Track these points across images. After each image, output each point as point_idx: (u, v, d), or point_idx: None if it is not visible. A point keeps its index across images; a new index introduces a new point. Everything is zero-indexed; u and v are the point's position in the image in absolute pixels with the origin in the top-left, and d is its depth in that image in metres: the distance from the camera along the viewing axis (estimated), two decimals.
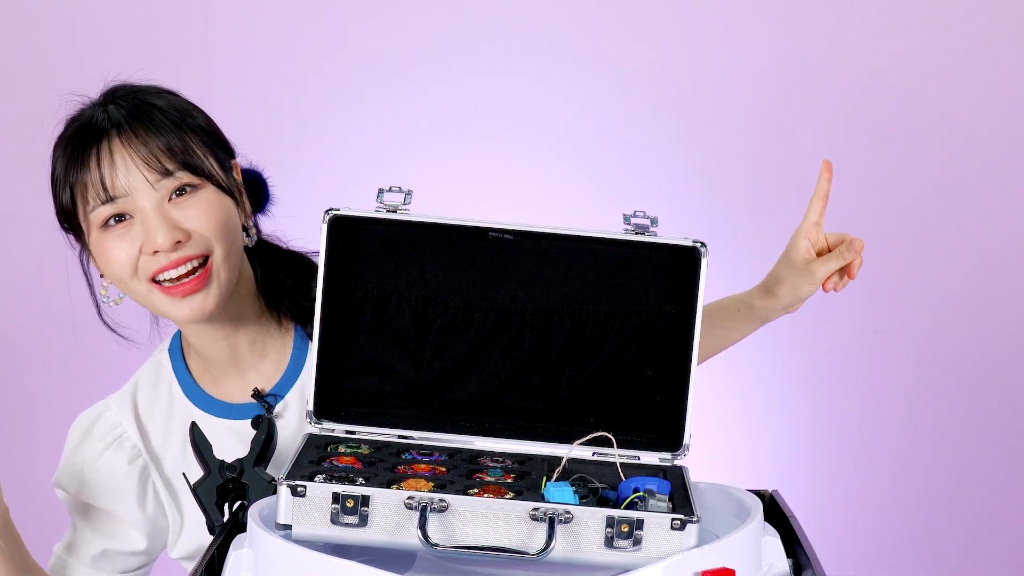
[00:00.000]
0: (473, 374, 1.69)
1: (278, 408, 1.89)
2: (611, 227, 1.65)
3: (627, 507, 1.48)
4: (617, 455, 1.61)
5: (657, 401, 1.67)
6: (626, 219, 1.65)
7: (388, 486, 1.49)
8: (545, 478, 1.56)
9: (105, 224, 1.75)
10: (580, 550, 1.44)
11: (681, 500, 1.51)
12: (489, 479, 1.55)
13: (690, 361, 1.63)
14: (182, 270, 1.75)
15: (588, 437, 1.62)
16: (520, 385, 1.69)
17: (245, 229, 1.84)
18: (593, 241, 1.65)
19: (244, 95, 3.16)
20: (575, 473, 1.58)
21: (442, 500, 1.44)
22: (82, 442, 1.91)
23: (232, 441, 1.82)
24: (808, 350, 3.25)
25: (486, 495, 1.48)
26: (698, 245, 1.62)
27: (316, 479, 1.49)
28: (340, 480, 1.50)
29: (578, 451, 1.62)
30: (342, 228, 1.64)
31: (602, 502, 1.53)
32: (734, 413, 3.24)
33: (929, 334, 3.24)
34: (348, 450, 1.62)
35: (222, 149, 1.82)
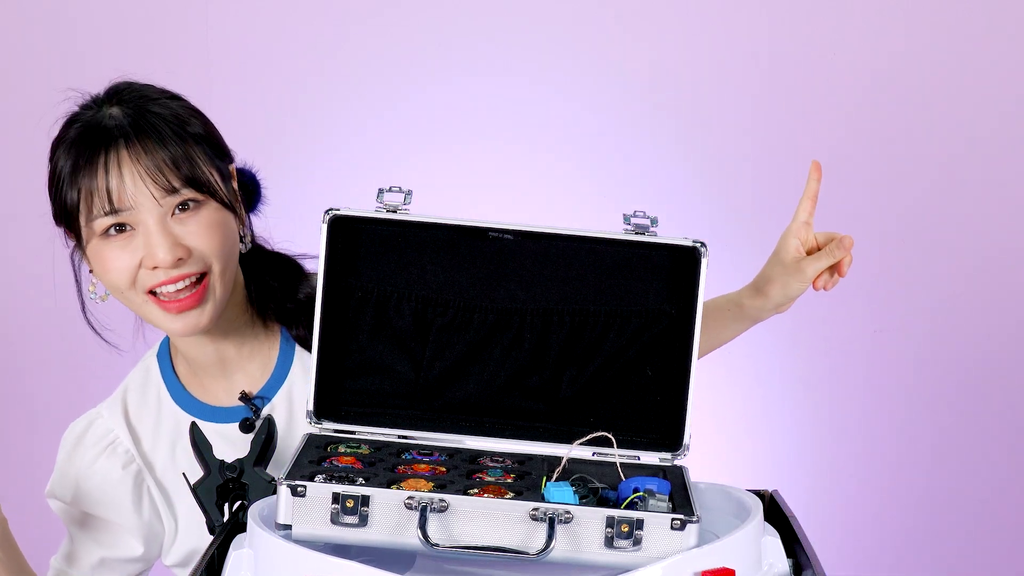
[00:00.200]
0: (473, 374, 1.69)
1: (265, 411, 1.88)
2: (611, 227, 1.65)
3: (627, 507, 1.48)
4: (617, 455, 1.61)
5: (657, 401, 1.67)
6: (626, 219, 1.65)
7: (388, 486, 1.49)
8: (545, 478, 1.56)
9: (105, 233, 1.74)
10: (580, 550, 1.44)
11: (681, 500, 1.51)
12: (489, 479, 1.55)
13: (690, 361, 1.63)
14: (180, 284, 1.75)
15: (588, 437, 1.62)
16: (520, 385, 1.69)
17: (241, 237, 1.83)
18: (593, 241, 1.65)
19: (244, 95, 3.16)
20: (575, 473, 1.58)
21: (442, 500, 1.44)
22: (75, 450, 1.90)
23: (220, 444, 1.81)
24: (808, 350, 3.25)
25: (486, 495, 1.48)
26: (698, 245, 1.62)
27: (316, 479, 1.49)
28: (340, 480, 1.50)
29: (578, 451, 1.62)
30: (342, 228, 1.64)
31: (602, 502, 1.53)
32: (734, 413, 3.24)
33: (929, 334, 3.24)
34: (348, 450, 1.62)
35: (222, 157, 1.81)
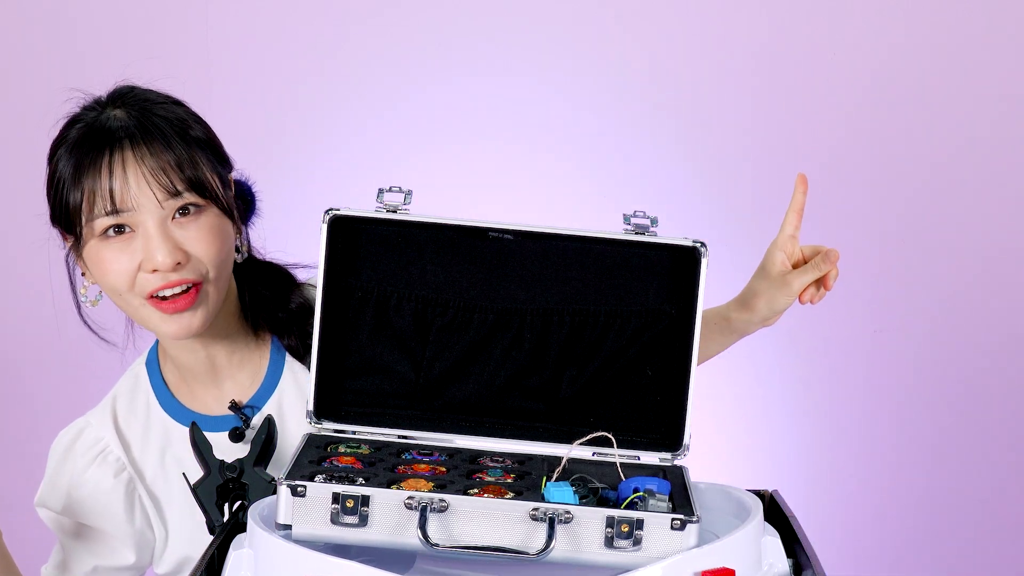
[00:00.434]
0: (473, 374, 1.69)
1: (255, 420, 1.88)
2: (611, 227, 1.65)
3: (627, 507, 1.48)
4: (617, 455, 1.61)
5: (657, 401, 1.67)
6: (626, 219, 1.65)
7: (388, 486, 1.49)
8: (545, 478, 1.56)
9: (104, 234, 1.73)
10: (580, 550, 1.44)
11: (681, 500, 1.51)
12: (489, 479, 1.55)
13: (690, 361, 1.63)
14: (177, 290, 1.74)
15: (588, 437, 1.62)
16: (520, 385, 1.69)
17: (237, 247, 1.83)
18: (593, 241, 1.65)
19: (244, 95, 3.16)
20: (575, 473, 1.58)
21: (442, 500, 1.44)
22: (65, 459, 1.89)
23: None
24: (808, 350, 3.25)
25: (486, 495, 1.48)
26: (698, 245, 1.62)
27: (316, 479, 1.49)
28: (340, 480, 1.50)
29: (578, 451, 1.62)
30: (342, 228, 1.64)
31: (602, 502, 1.53)
32: (734, 413, 3.24)
33: (929, 334, 3.24)
34: (348, 450, 1.62)
35: (223, 164, 1.81)
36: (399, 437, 1.67)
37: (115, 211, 1.71)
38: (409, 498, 1.44)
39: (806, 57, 3.18)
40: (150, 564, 1.94)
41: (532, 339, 1.68)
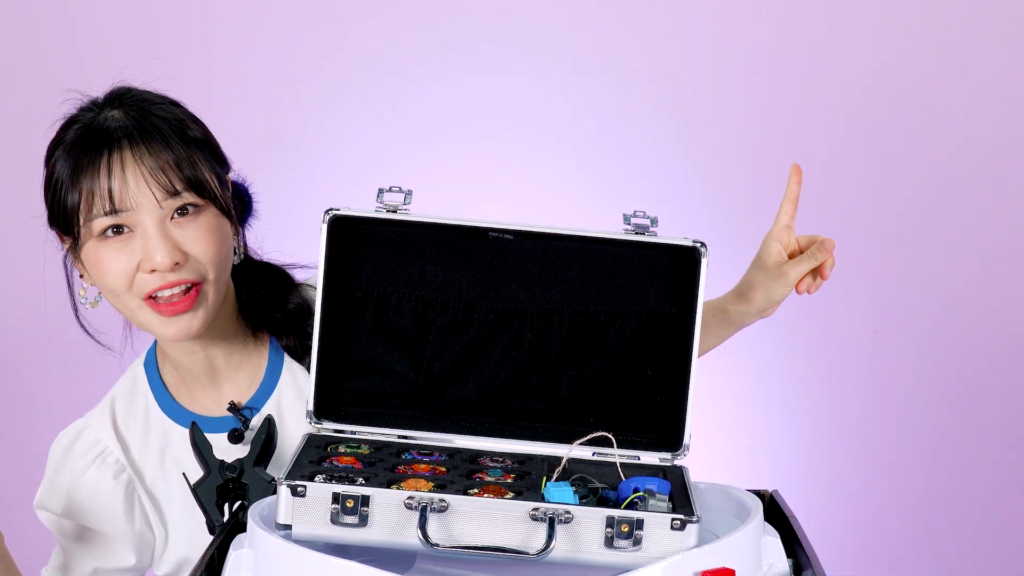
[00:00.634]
0: (473, 374, 1.69)
1: (254, 421, 1.88)
2: (611, 227, 1.65)
3: (627, 507, 1.48)
4: (617, 455, 1.61)
5: (657, 401, 1.67)
6: (626, 219, 1.65)
7: (388, 486, 1.49)
8: (545, 478, 1.56)
9: (103, 234, 1.73)
10: (580, 550, 1.44)
11: (681, 500, 1.51)
12: (489, 479, 1.55)
13: (690, 361, 1.63)
14: (174, 290, 1.74)
15: (588, 437, 1.62)
16: (520, 385, 1.69)
17: (234, 248, 1.83)
18: (593, 241, 1.65)
19: (244, 95, 3.16)
20: (575, 473, 1.58)
21: (442, 500, 1.44)
22: (64, 461, 1.88)
23: None
24: (808, 350, 3.25)
25: (486, 495, 1.48)
26: (698, 245, 1.62)
27: (316, 479, 1.49)
28: (340, 480, 1.50)
29: (578, 451, 1.62)
30: (342, 228, 1.64)
31: (602, 502, 1.53)
32: (734, 413, 3.24)
33: (929, 334, 3.24)
34: (348, 450, 1.62)
35: (221, 164, 1.80)
36: (399, 437, 1.67)
37: (114, 211, 1.71)
38: (409, 498, 1.44)
39: (806, 57, 3.18)
40: (150, 565, 1.94)
41: (532, 339, 1.68)
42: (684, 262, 1.64)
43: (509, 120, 3.19)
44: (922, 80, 3.18)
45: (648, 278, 1.66)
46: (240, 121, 2.96)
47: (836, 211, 3.15)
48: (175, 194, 1.72)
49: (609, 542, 1.43)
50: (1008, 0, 3.16)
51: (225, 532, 1.56)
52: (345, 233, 1.65)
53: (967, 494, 3.28)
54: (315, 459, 1.57)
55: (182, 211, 1.73)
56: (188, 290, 1.74)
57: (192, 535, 1.85)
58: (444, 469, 1.57)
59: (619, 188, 3.18)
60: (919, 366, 3.26)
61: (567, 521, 1.43)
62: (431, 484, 1.51)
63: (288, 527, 1.46)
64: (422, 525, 1.42)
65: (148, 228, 1.71)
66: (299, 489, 1.45)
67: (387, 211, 1.64)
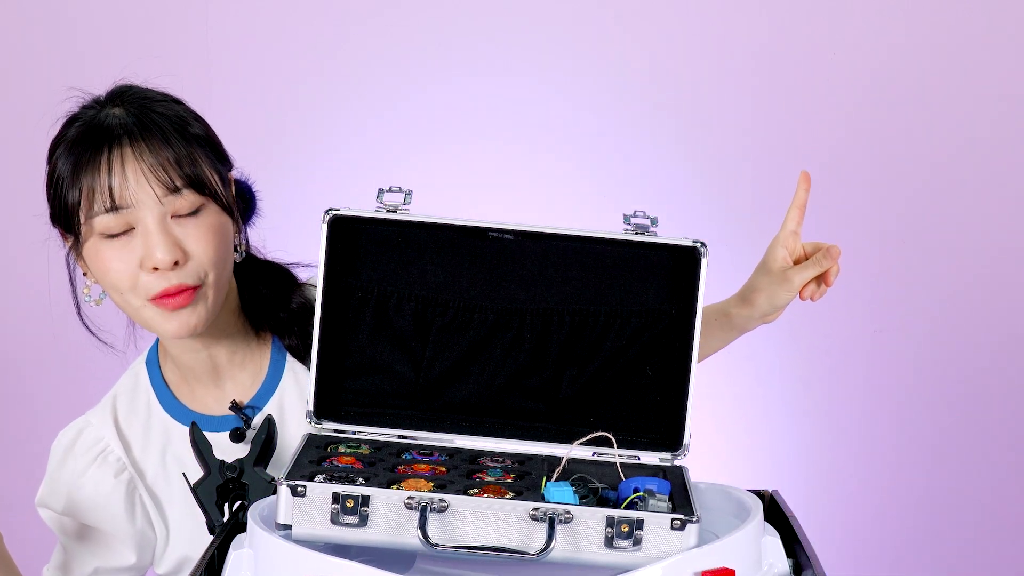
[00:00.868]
0: (473, 374, 1.69)
1: (255, 420, 1.88)
2: (611, 227, 1.65)
3: (627, 507, 1.48)
4: (617, 455, 1.61)
5: (657, 401, 1.67)
6: (626, 219, 1.65)
7: (388, 486, 1.49)
8: (545, 478, 1.56)
9: (104, 232, 1.73)
10: (580, 550, 1.44)
11: (681, 500, 1.51)
12: (489, 479, 1.55)
13: (690, 361, 1.63)
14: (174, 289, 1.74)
15: (588, 437, 1.62)
16: (520, 385, 1.69)
17: (236, 246, 1.82)
18: (593, 241, 1.65)
19: (244, 95, 3.16)
20: (575, 473, 1.58)
21: (442, 500, 1.44)
22: (65, 459, 1.88)
23: None
24: (808, 350, 3.25)
25: (486, 495, 1.48)
26: (698, 245, 1.62)
27: (316, 479, 1.49)
28: (340, 480, 1.50)
29: (578, 451, 1.62)
30: (342, 228, 1.64)
31: (602, 502, 1.53)
32: (734, 413, 3.24)
33: (929, 334, 3.24)
34: (348, 450, 1.62)
35: (222, 161, 1.80)
36: (399, 437, 1.67)
37: (115, 208, 1.70)
38: (409, 498, 1.44)
39: (806, 57, 3.18)
40: (151, 564, 1.94)
41: (532, 339, 1.68)
42: (684, 262, 1.64)
43: (509, 120, 3.19)
44: (922, 80, 3.18)
45: (648, 278, 1.66)
46: (240, 121, 2.96)
47: (836, 211, 3.15)
48: (175, 191, 1.71)
49: (609, 542, 1.43)
50: (1008, 0, 3.16)
51: (225, 532, 1.57)
52: (345, 233, 1.65)
53: (967, 494, 3.28)
54: (315, 459, 1.57)
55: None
56: (187, 289, 1.74)
57: (193, 534, 1.85)
58: (444, 469, 1.57)
59: (619, 188, 3.19)
60: (919, 366, 3.26)
61: (567, 521, 1.43)
62: (431, 484, 1.51)
63: (288, 527, 1.46)
64: (422, 525, 1.42)
65: (149, 225, 1.71)
66: (299, 489, 1.45)
67: (387, 211, 1.64)
